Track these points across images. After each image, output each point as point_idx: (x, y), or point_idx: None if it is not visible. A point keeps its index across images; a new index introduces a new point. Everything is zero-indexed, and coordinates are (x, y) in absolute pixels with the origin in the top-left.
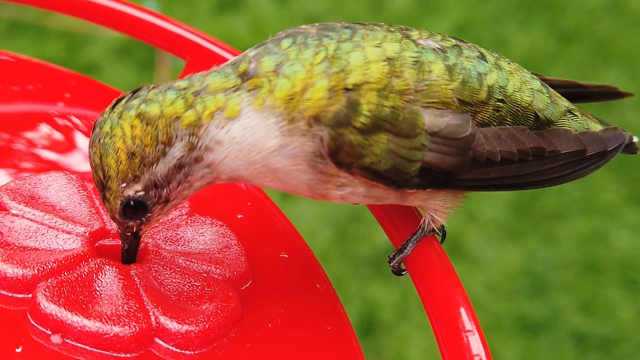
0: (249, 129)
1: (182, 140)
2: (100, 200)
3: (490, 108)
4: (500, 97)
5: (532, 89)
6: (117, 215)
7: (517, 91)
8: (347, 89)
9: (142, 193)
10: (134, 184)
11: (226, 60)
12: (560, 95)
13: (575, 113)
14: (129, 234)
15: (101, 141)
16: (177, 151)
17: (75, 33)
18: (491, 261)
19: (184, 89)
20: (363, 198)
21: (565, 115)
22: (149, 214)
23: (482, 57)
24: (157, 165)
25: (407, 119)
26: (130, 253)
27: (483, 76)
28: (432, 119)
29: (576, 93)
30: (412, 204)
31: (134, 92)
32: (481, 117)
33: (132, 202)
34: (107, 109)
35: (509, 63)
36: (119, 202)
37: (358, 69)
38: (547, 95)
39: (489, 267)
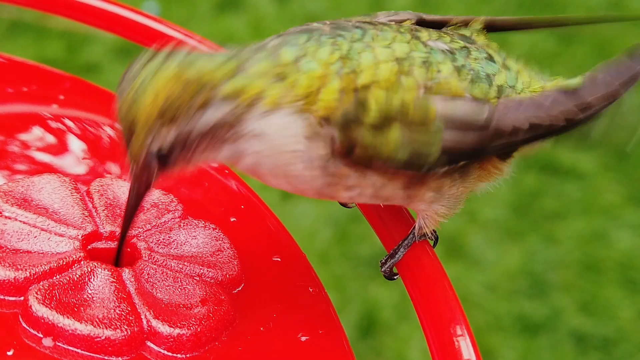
0: (282, 129)
1: (219, 108)
2: (123, 143)
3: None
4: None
5: (541, 84)
6: (139, 160)
7: (527, 88)
8: (356, 90)
9: (169, 144)
10: (166, 133)
11: None
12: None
13: None
14: (143, 183)
15: (142, 85)
16: (213, 118)
17: (76, 33)
18: (491, 261)
19: (229, 58)
20: (370, 198)
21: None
22: (169, 167)
23: (490, 58)
24: (191, 123)
25: (419, 108)
26: (137, 199)
27: (492, 77)
28: (445, 104)
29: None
30: (417, 207)
31: (174, 48)
32: None
33: (158, 150)
34: (152, 56)
35: (516, 62)
36: (145, 147)
37: (368, 70)
38: (556, 79)
39: (489, 267)
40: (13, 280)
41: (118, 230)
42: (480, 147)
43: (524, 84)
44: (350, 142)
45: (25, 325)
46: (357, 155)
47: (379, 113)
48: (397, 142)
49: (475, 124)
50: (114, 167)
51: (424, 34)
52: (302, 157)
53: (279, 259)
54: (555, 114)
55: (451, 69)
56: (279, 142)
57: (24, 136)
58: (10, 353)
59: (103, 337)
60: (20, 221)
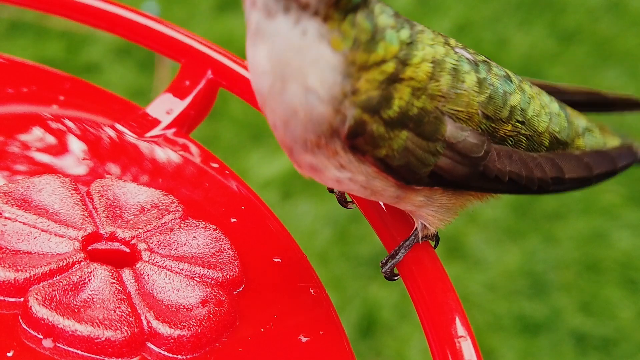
0: (321, 66)
1: None
2: None
3: (510, 127)
4: (521, 119)
5: (550, 112)
6: None
7: (536, 116)
8: (393, 80)
9: None
10: None
11: (221, 62)
12: (579, 114)
13: (593, 131)
14: None
15: None
16: None
17: (76, 33)
18: (491, 261)
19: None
20: (359, 187)
21: (583, 134)
22: None
23: (508, 77)
24: None
25: (432, 123)
26: None
27: (507, 95)
28: (453, 130)
29: (596, 101)
30: (405, 208)
31: None
32: (499, 135)
33: None
34: None
35: (530, 87)
36: None
37: (413, 66)
38: (565, 117)
39: (489, 267)
40: (13, 281)
41: (118, 231)
42: (465, 182)
43: (534, 111)
44: (358, 130)
45: (25, 327)
46: (358, 144)
47: (397, 113)
48: (399, 146)
49: (470, 159)
50: (114, 168)
51: (452, 40)
52: (310, 89)
53: (279, 260)
54: (533, 178)
55: (474, 80)
56: (308, 63)
57: (24, 137)
58: (10, 354)
59: (103, 338)
60: (21, 222)
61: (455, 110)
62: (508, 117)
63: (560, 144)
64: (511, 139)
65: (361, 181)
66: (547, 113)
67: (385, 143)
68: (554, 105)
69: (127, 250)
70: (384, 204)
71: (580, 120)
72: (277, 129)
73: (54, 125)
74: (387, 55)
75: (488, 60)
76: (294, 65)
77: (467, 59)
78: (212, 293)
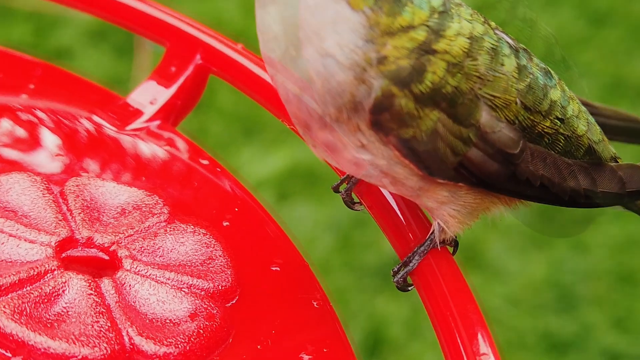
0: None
1: None
2: None
3: (548, 123)
4: (561, 117)
5: (588, 119)
6: None
7: (575, 116)
8: (425, 51)
9: None
10: None
11: (211, 46)
12: (608, 142)
13: (620, 159)
14: None
15: None
16: None
17: (45, 14)
18: (513, 272)
19: None
20: (379, 173)
21: (613, 159)
22: None
23: (549, 72)
24: None
25: (466, 106)
26: None
27: (548, 88)
28: (488, 118)
29: (632, 130)
30: (425, 204)
31: None
32: (537, 131)
33: None
34: None
35: (569, 89)
36: None
37: (447, 38)
38: (600, 131)
39: (511, 278)
40: None
41: (96, 235)
42: (493, 181)
43: (573, 111)
44: (385, 103)
45: None
46: (383, 120)
47: (430, 89)
48: (428, 128)
49: (503, 155)
50: (91, 165)
51: (492, 23)
52: (329, 53)
53: (278, 268)
54: (565, 187)
55: (514, 65)
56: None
57: None
58: None
59: (80, 356)
60: None
61: (492, 96)
62: (547, 111)
63: (596, 157)
64: (548, 137)
65: (382, 165)
66: (585, 118)
67: (414, 122)
68: (591, 117)
69: (106, 257)
70: (397, 203)
71: (610, 146)
72: (290, 103)
73: (23, 116)
74: (415, 20)
75: (529, 50)
76: (309, 27)
77: (508, 42)
78: (202, 305)
